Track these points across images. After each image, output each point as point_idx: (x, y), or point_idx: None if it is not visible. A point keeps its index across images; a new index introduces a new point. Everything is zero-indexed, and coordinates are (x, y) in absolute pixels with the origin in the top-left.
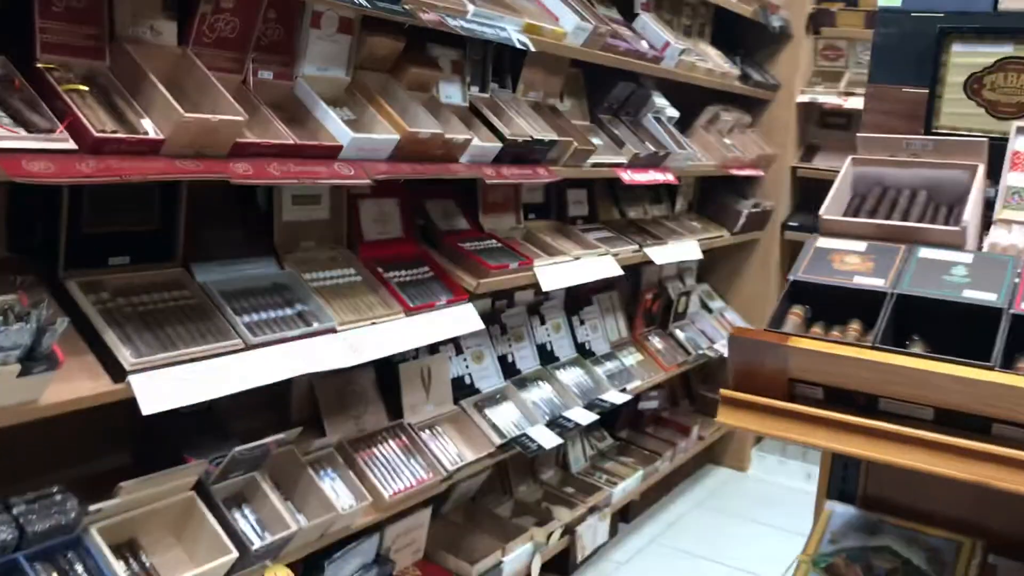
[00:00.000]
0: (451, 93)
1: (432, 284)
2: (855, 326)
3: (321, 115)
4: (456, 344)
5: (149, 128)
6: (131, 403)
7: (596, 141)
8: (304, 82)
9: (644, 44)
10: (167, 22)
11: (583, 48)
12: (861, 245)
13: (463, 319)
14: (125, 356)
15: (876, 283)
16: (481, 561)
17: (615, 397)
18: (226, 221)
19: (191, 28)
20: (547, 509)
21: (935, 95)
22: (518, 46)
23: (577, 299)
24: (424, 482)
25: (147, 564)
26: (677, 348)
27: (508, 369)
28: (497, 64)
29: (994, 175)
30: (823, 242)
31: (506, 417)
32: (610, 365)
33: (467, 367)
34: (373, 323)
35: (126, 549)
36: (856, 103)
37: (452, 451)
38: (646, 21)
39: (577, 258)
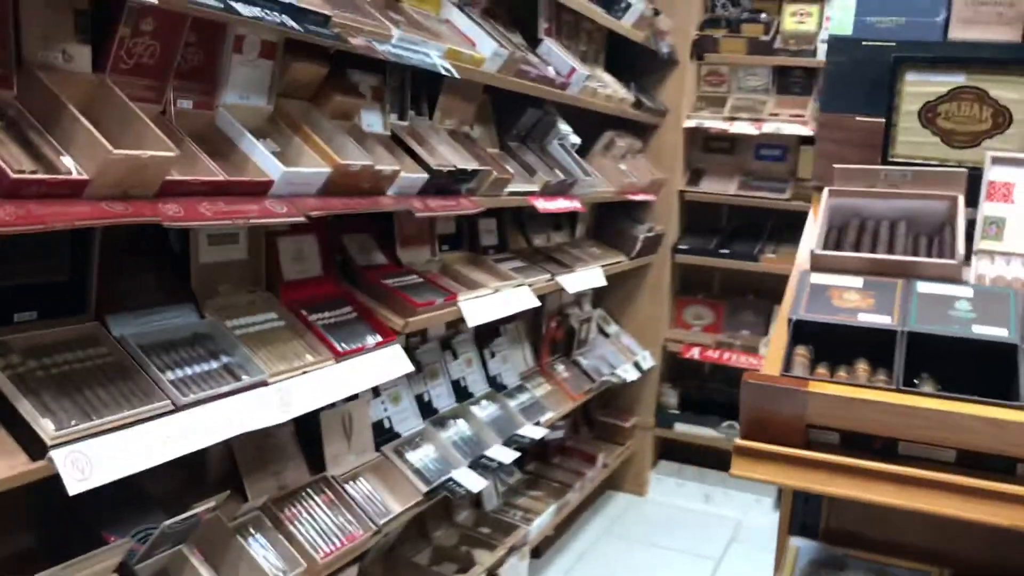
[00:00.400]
0: (372, 121)
1: (358, 326)
2: (863, 366)
3: (248, 147)
4: (374, 387)
5: (71, 167)
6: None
7: (509, 169)
8: (226, 112)
9: (551, 70)
10: (80, 46)
11: (499, 75)
12: (857, 280)
13: (394, 362)
14: (45, 428)
15: (883, 321)
16: None
17: (533, 432)
18: (136, 265)
19: (108, 53)
20: (467, 553)
21: (891, 124)
22: (443, 72)
23: (486, 331)
24: (355, 539)
25: None
26: (582, 376)
27: (425, 409)
28: (413, 91)
29: (969, 205)
30: (817, 278)
31: (429, 461)
32: (522, 397)
33: (385, 410)
34: (304, 372)
35: None
36: (740, 128)
37: (379, 503)
38: (551, 47)
39: (496, 290)
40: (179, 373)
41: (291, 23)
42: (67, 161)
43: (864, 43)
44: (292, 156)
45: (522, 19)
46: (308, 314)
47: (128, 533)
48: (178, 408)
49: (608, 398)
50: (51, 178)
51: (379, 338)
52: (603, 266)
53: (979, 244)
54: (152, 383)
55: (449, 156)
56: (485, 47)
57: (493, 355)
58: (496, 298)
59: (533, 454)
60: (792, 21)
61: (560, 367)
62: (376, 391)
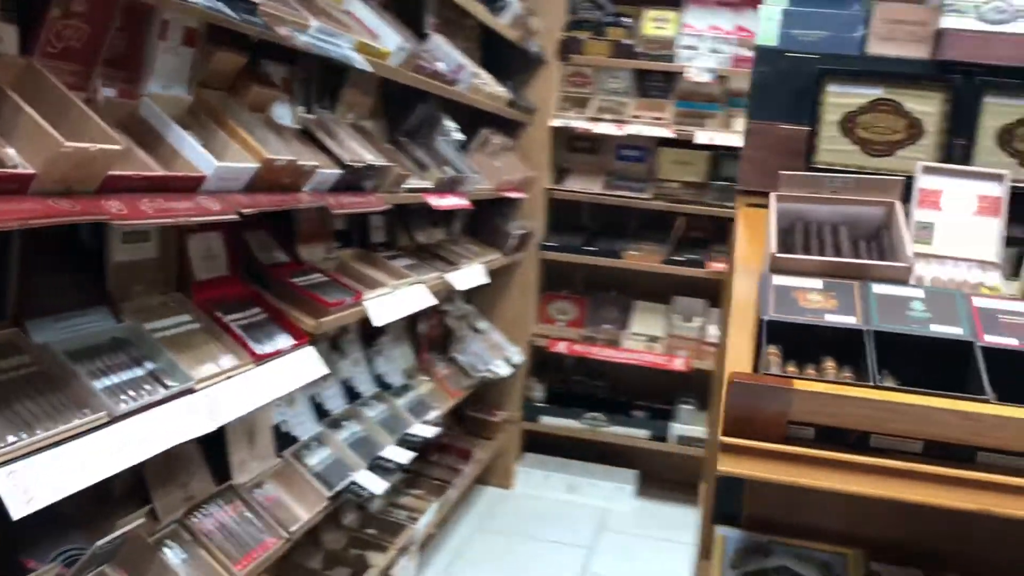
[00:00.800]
0: (282, 114)
1: (270, 327)
2: (831, 363)
3: (177, 141)
4: None
5: (15, 160)
6: None
7: (408, 165)
8: (151, 102)
9: (441, 66)
10: (6, 25)
11: (400, 69)
12: (817, 282)
13: (310, 364)
14: None
15: (849, 321)
16: None
17: (423, 431)
18: (46, 265)
19: (37, 35)
20: (360, 557)
21: (814, 132)
22: (358, 65)
23: (369, 330)
24: (268, 547)
25: None
26: (460, 373)
27: (319, 411)
28: (318, 83)
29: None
30: (779, 280)
31: (328, 465)
32: (408, 396)
33: (282, 414)
34: (229, 377)
35: None
36: (604, 128)
37: (287, 509)
38: (439, 43)
39: (395, 289)
40: (106, 382)
41: (226, 9)
42: (11, 153)
43: (789, 54)
44: (217, 150)
45: (406, 13)
46: (222, 316)
47: (47, 557)
48: (114, 419)
49: (476, 394)
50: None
51: (293, 340)
52: (483, 263)
53: (913, 248)
54: (84, 393)
55: (357, 151)
56: (389, 41)
57: (379, 353)
58: (396, 297)
59: None
60: (652, 26)
61: (440, 365)
62: None
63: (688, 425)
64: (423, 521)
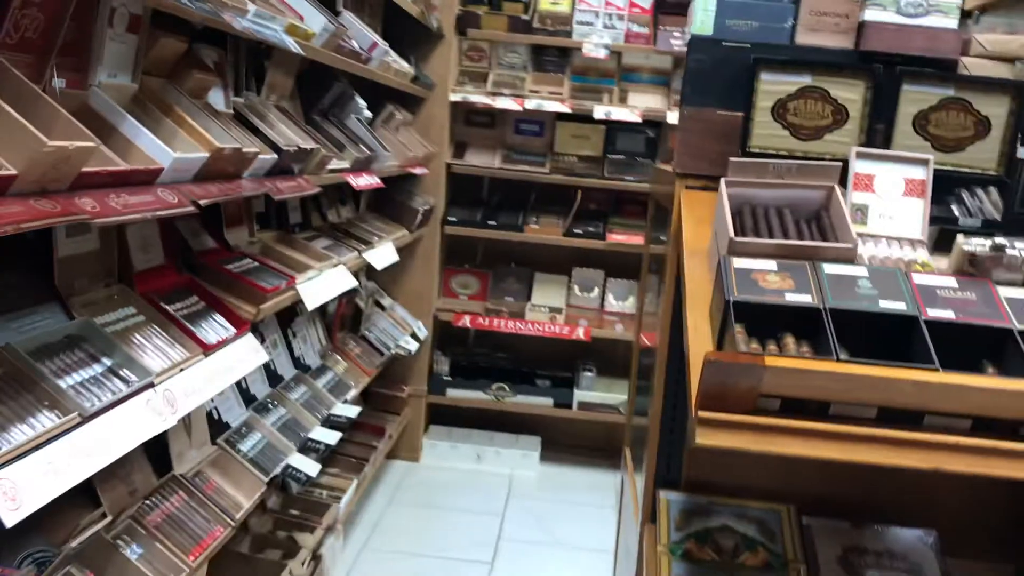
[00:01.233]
0: (216, 99)
1: (211, 316)
2: (790, 339)
3: (131, 132)
4: None
5: None
6: None
7: (331, 146)
8: (100, 91)
9: (355, 44)
10: None
11: (323, 49)
12: (772, 264)
13: (253, 352)
14: None
15: (806, 300)
16: None
17: (347, 410)
18: None
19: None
20: (289, 538)
21: (748, 118)
22: (292, 49)
23: (287, 313)
24: (217, 536)
25: None
26: (372, 350)
27: (245, 396)
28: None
29: None
30: (738, 262)
31: (261, 450)
32: (326, 377)
33: (212, 401)
34: (182, 370)
35: None
36: (504, 103)
37: (228, 496)
38: (351, 20)
39: (321, 272)
40: (69, 381)
41: None
42: None
43: (724, 43)
44: (165, 139)
45: None
46: (166, 306)
47: (12, 561)
48: (86, 419)
49: (384, 370)
50: None
51: (234, 329)
52: (393, 241)
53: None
54: (53, 394)
55: (288, 134)
56: (314, 22)
57: (295, 335)
58: (324, 279)
59: None
60: (548, 1)
61: (352, 343)
62: None
63: (590, 392)
64: (344, 500)
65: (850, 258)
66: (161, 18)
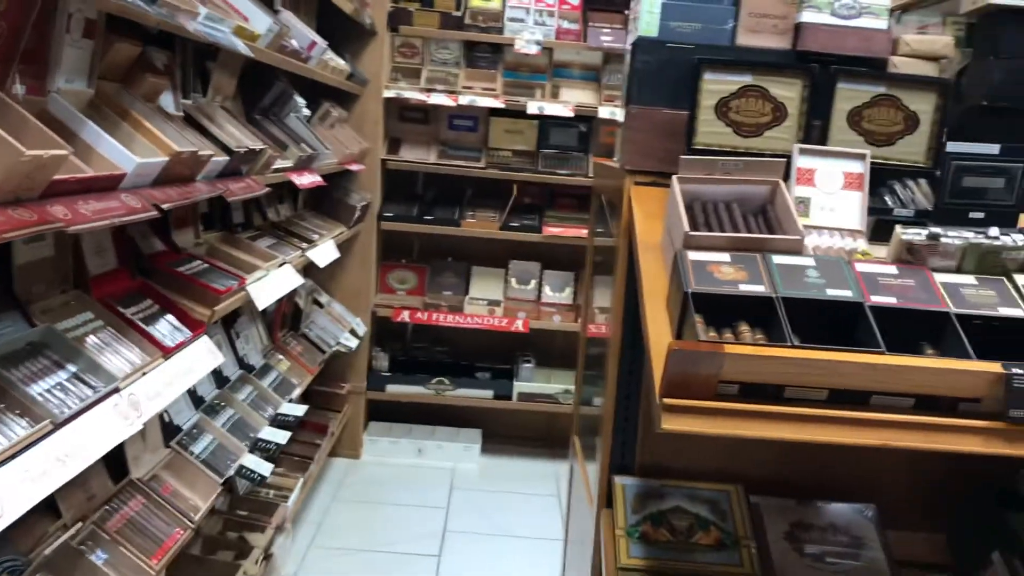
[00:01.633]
0: (166, 102)
1: (166, 319)
2: (745, 327)
3: (93, 137)
4: None
5: None
6: None
7: (275, 146)
8: (59, 97)
9: (295, 43)
10: None
11: (267, 50)
12: (725, 256)
13: (210, 353)
14: None
15: (759, 289)
16: None
17: (295, 409)
18: None
19: None
20: (241, 539)
21: (693, 116)
22: (242, 51)
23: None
24: (178, 538)
25: None
26: (313, 348)
27: (192, 398)
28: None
29: None
30: (694, 255)
31: (214, 451)
32: (271, 376)
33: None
34: (144, 374)
35: None
36: (438, 99)
37: (185, 499)
38: (291, 19)
39: (269, 271)
40: (37, 388)
41: (140, 1)
42: None
43: (668, 45)
44: (124, 144)
45: None
46: (123, 310)
47: None
48: (58, 426)
49: (322, 367)
50: None
51: (190, 331)
52: (333, 238)
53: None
54: (24, 401)
55: (237, 136)
56: (259, 22)
57: (239, 335)
58: (272, 279)
59: None
60: None
61: (293, 342)
62: None
63: (529, 382)
64: (292, 498)
65: (797, 249)
66: (114, 22)
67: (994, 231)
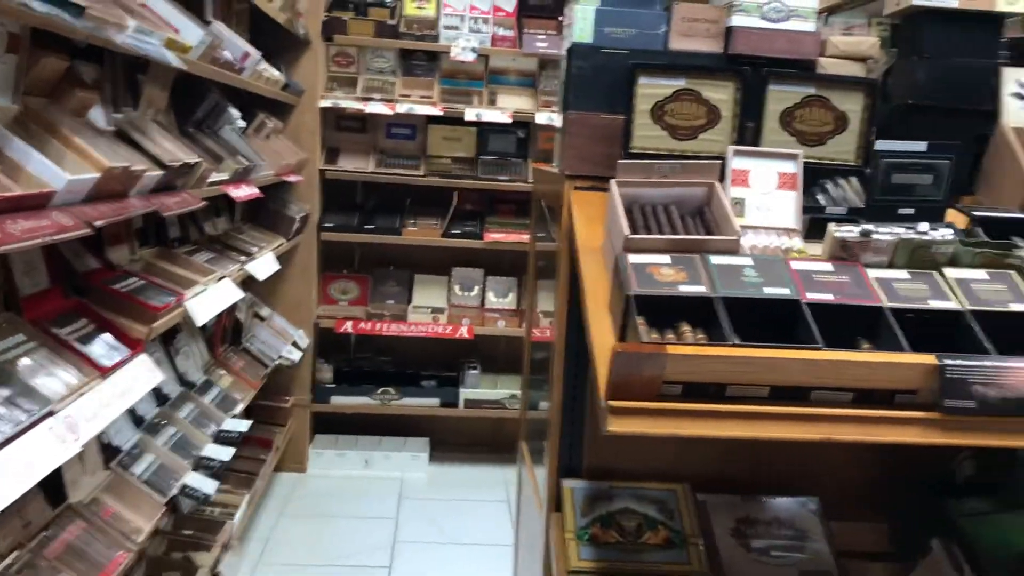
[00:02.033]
0: (96, 117)
1: (102, 338)
2: (686, 328)
3: (19, 154)
4: None
5: None
6: None
7: (211, 159)
8: None
9: (228, 54)
10: None
11: (199, 61)
12: (665, 258)
13: (148, 372)
14: None
15: (699, 290)
16: None
17: (237, 425)
18: None
19: None
20: (186, 559)
21: (630, 121)
22: (174, 64)
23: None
24: (120, 562)
25: None
26: (255, 362)
27: (132, 417)
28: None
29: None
30: (634, 258)
31: (156, 471)
32: (212, 392)
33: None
34: (81, 395)
35: None
36: (375, 108)
37: (127, 521)
38: (222, 30)
39: (207, 286)
40: None
41: (63, 14)
42: None
43: (603, 50)
44: (54, 160)
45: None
46: (57, 331)
47: None
48: None
49: (265, 381)
50: None
51: (128, 349)
52: (272, 251)
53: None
54: None
55: (170, 149)
56: (191, 34)
57: (178, 351)
58: (211, 294)
59: None
60: (413, 7)
61: (234, 357)
62: None
63: (475, 389)
64: (239, 516)
65: (734, 249)
66: (40, 36)
67: (923, 226)
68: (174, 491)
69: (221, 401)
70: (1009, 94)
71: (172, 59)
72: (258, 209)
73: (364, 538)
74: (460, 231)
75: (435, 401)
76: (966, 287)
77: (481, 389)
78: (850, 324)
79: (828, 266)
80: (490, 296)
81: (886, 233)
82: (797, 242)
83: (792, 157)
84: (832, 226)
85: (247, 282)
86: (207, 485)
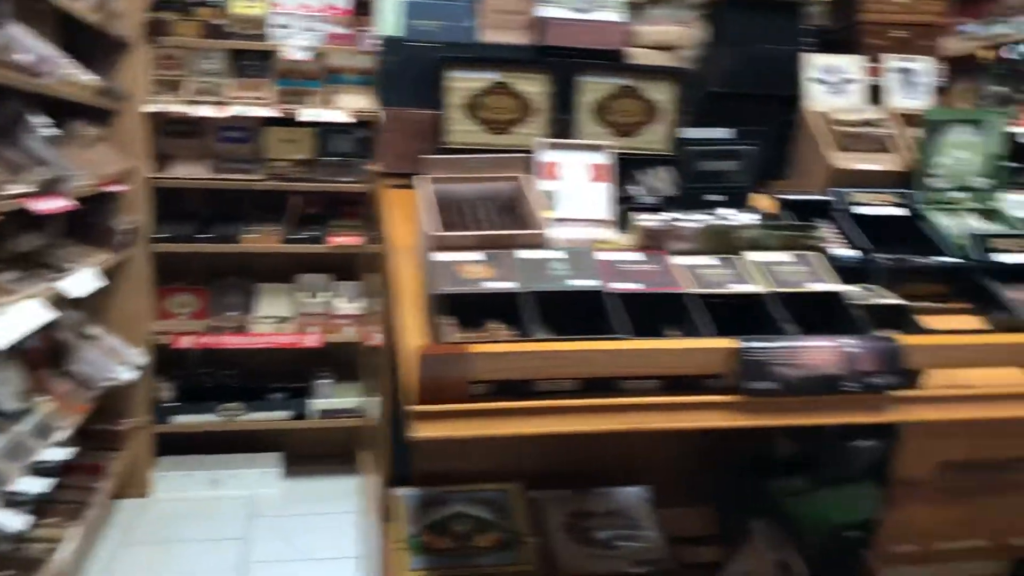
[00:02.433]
0: None
1: None
2: (496, 326)
3: None
4: None
5: None
6: None
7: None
8: None
9: (26, 58)
10: None
11: None
12: (476, 255)
13: None
14: None
15: (508, 286)
16: None
17: (56, 453)
18: None
19: None
20: None
21: (444, 116)
22: None
23: None
24: None
25: None
26: (80, 386)
27: None
28: None
29: None
30: (443, 256)
31: None
32: (29, 420)
33: None
34: None
35: None
36: (204, 111)
37: None
38: (18, 32)
39: (5, 308)
40: None
41: None
42: None
43: (411, 43)
44: None
45: None
46: None
47: None
48: None
49: (100, 405)
50: None
51: None
52: (94, 265)
53: (543, 215)
54: None
55: None
56: None
57: None
58: (9, 317)
59: None
60: (241, 5)
61: (56, 381)
62: None
63: (328, 399)
64: (66, 549)
65: (539, 243)
66: None
67: (724, 212)
68: None
69: (39, 429)
70: (809, 79)
71: None
72: (80, 222)
73: (213, 561)
74: (302, 236)
75: (285, 414)
76: (768, 269)
77: (334, 399)
78: (660, 313)
79: (635, 256)
80: (338, 302)
81: (690, 220)
82: (610, 233)
83: (598, 148)
84: (637, 215)
85: (69, 301)
86: (14, 521)
